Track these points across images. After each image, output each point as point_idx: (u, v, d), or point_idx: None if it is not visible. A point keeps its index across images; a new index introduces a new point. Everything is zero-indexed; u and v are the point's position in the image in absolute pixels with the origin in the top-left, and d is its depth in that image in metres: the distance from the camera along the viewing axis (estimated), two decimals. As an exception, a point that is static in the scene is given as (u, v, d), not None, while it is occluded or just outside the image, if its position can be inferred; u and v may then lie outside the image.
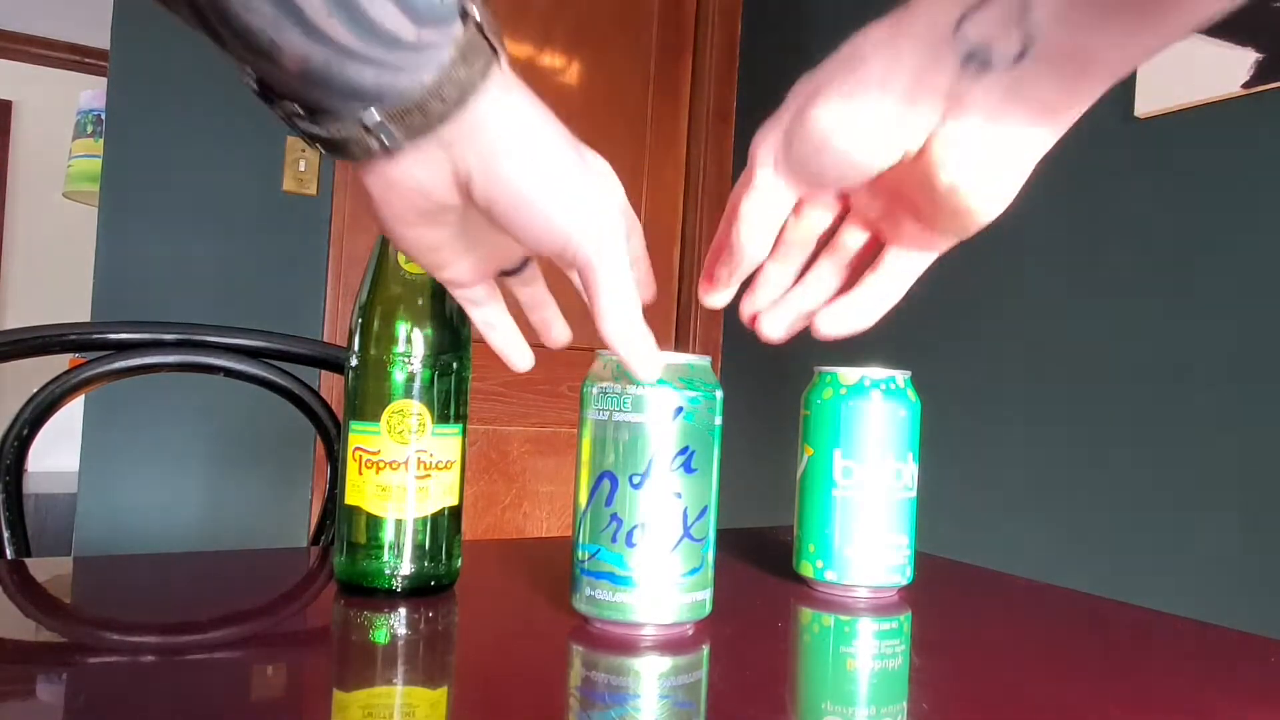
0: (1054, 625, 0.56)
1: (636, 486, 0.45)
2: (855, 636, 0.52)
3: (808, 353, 0.60)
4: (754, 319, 0.45)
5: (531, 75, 1.99)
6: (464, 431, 0.53)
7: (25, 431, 0.76)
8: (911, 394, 0.58)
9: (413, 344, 0.51)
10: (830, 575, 0.56)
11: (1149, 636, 0.54)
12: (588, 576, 0.46)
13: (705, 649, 0.46)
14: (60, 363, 0.95)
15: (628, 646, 0.44)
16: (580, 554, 0.46)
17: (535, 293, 0.47)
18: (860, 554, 0.56)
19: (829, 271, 0.43)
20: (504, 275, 0.46)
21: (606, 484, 0.45)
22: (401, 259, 0.51)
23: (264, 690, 0.39)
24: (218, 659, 0.41)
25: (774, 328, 0.44)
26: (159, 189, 1.67)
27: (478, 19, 0.33)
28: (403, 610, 0.50)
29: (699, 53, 2.14)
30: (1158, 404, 1.23)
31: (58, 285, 3.47)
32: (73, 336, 0.81)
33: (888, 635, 0.52)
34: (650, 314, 0.40)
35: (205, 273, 1.71)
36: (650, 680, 0.42)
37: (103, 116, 2.51)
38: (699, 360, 0.46)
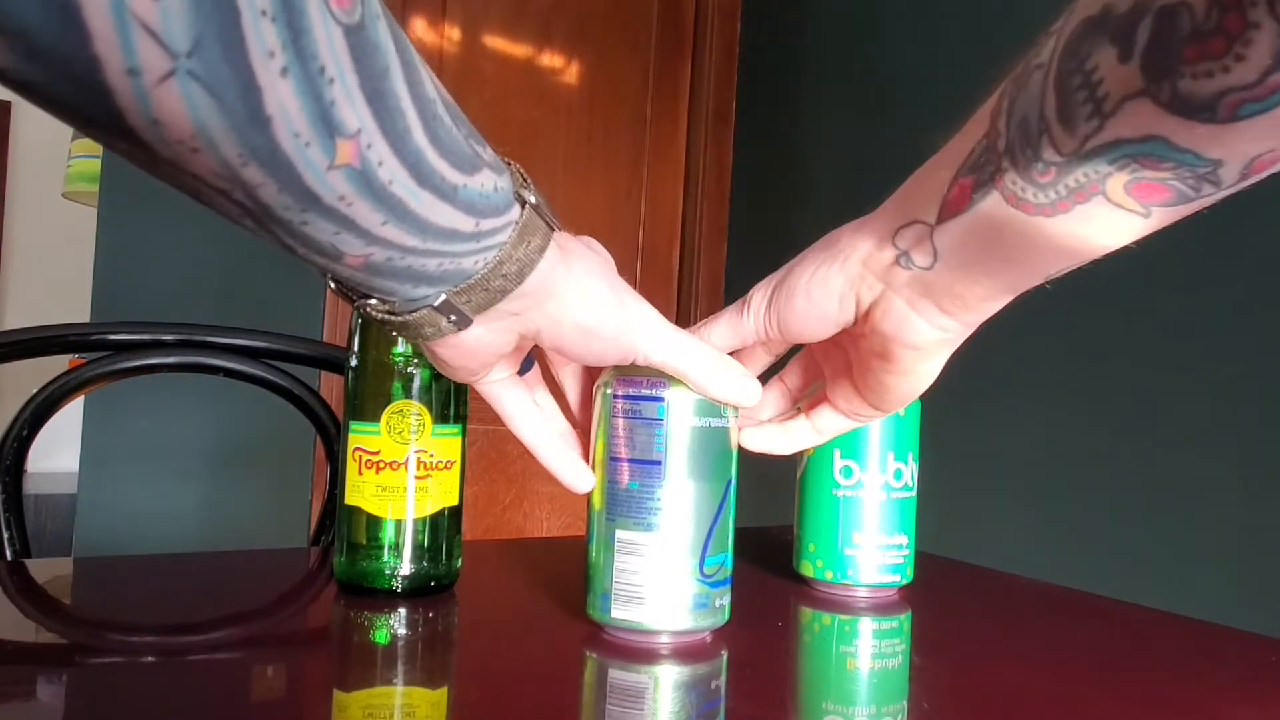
0: (1054, 624, 0.56)
1: (731, 494, 0.46)
2: (855, 636, 0.52)
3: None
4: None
5: (532, 75, 2.00)
6: (464, 431, 0.53)
7: (25, 432, 0.76)
8: (911, 394, 0.58)
9: (412, 344, 0.51)
10: (830, 575, 0.56)
11: (1149, 636, 0.54)
12: (719, 588, 0.45)
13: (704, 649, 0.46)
14: (60, 363, 0.95)
15: (634, 649, 0.44)
16: (708, 567, 0.44)
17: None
18: (860, 554, 0.56)
19: (776, 396, 0.50)
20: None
21: (732, 493, 0.46)
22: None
23: (264, 690, 0.39)
24: (218, 659, 0.41)
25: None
26: (159, 189, 1.66)
27: (533, 201, 0.36)
28: (403, 610, 0.50)
29: (699, 53, 2.14)
30: (1158, 402, 1.23)
31: (58, 285, 3.47)
32: (73, 337, 0.81)
33: (888, 635, 0.52)
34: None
35: (205, 273, 1.70)
36: (650, 680, 0.42)
37: (102, 117, 2.50)
38: None
